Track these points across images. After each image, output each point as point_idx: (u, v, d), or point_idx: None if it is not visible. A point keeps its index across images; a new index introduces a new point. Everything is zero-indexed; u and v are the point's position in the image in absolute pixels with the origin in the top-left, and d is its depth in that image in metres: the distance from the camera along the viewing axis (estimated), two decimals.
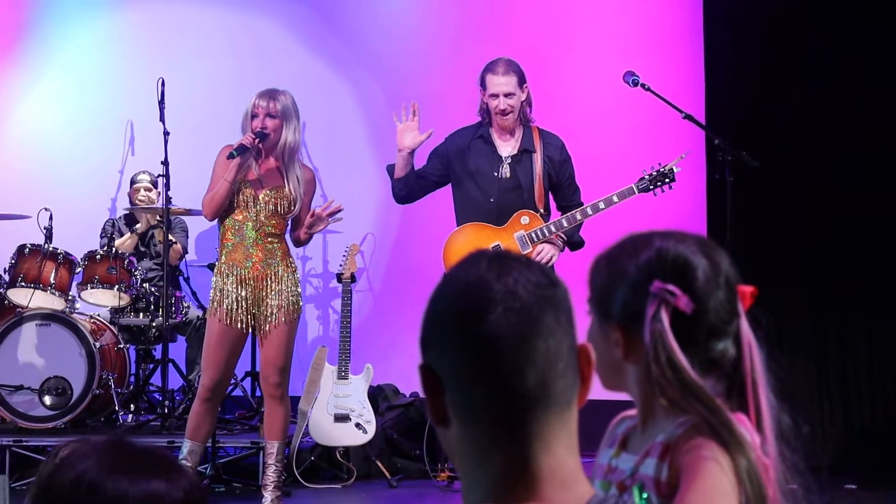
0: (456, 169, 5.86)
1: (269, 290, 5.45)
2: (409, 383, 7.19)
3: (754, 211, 7.12)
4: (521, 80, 5.78)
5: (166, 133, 6.64)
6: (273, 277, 5.46)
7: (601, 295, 1.86)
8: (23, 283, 6.72)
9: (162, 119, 6.68)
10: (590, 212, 5.65)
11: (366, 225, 7.98)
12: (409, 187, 5.90)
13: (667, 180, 5.71)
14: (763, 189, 7.08)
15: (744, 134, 6.98)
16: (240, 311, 5.43)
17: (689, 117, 5.88)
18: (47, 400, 6.62)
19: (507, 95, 5.74)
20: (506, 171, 5.79)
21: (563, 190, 5.87)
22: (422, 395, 1.61)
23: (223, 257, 5.51)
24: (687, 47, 7.80)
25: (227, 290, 5.44)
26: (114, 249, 7.03)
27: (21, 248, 6.80)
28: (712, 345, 1.81)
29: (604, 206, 5.64)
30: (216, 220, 5.52)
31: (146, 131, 7.63)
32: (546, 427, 1.37)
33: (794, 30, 7.50)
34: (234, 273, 5.45)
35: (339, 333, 6.57)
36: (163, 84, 6.73)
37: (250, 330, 5.50)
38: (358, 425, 6.43)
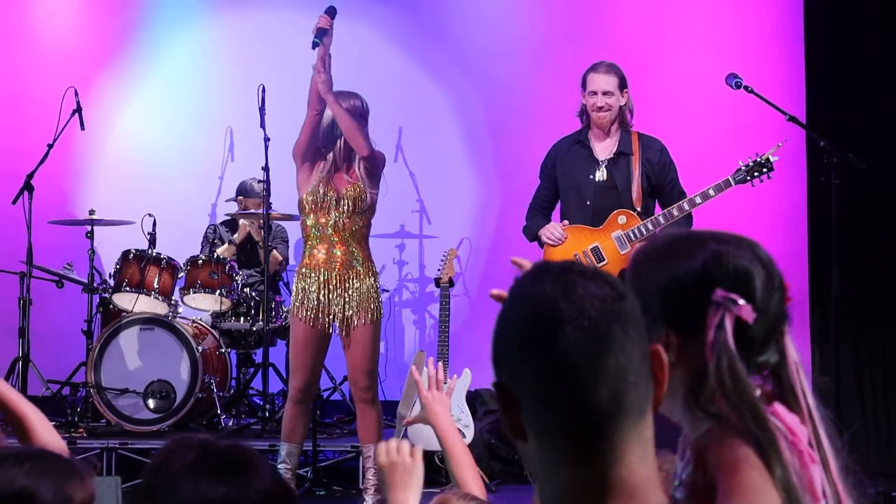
0: (557, 174, 5.88)
1: (349, 293, 5.47)
2: None
3: (856, 212, 6.97)
4: (622, 84, 5.76)
5: (267, 139, 6.68)
6: (353, 280, 5.48)
7: (648, 297, 1.78)
8: (127, 288, 6.85)
9: (262, 125, 6.71)
10: (686, 207, 5.59)
11: (462, 229, 7.99)
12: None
13: (764, 170, 5.60)
14: (864, 190, 6.93)
15: (845, 135, 6.84)
16: (321, 311, 5.46)
17: (793, 119, 5.79)
18: (151, 403, 6.73)
19: (605, 94, 5.72)
20: (602, 173, 5.77)
21: (666, 194, 5.79)
22: None
23: (305, 258, 5.56)
24: (787, 49, 7.67)
25: (308, 291, 5.48)
26: (215, 255, 7.13)
27: (125, 253, 6.93)
28: (759, 353, 1.79)
29: (700, 201, 5.58)
30: (302, 158, 5.54)
31: (246, 137, 7.72)
32: (619, 439, 1.37)
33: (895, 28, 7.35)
34: (315, 274, 5.48)
35: (437, 338, 6.57)
36: (263, 90, 6.76)
37: (332, 331, 5.53)
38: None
